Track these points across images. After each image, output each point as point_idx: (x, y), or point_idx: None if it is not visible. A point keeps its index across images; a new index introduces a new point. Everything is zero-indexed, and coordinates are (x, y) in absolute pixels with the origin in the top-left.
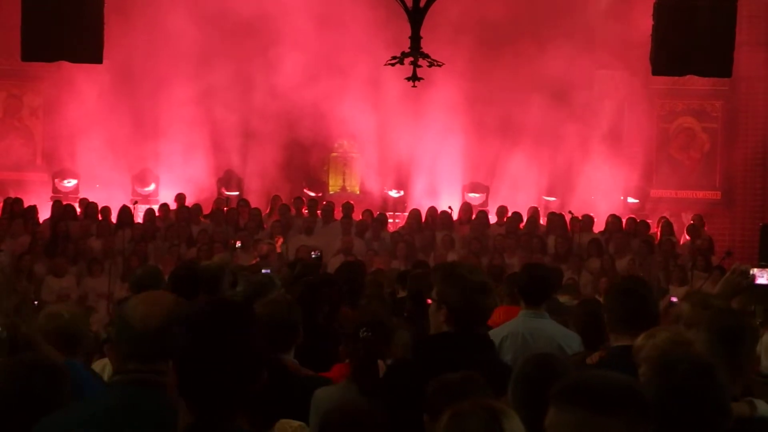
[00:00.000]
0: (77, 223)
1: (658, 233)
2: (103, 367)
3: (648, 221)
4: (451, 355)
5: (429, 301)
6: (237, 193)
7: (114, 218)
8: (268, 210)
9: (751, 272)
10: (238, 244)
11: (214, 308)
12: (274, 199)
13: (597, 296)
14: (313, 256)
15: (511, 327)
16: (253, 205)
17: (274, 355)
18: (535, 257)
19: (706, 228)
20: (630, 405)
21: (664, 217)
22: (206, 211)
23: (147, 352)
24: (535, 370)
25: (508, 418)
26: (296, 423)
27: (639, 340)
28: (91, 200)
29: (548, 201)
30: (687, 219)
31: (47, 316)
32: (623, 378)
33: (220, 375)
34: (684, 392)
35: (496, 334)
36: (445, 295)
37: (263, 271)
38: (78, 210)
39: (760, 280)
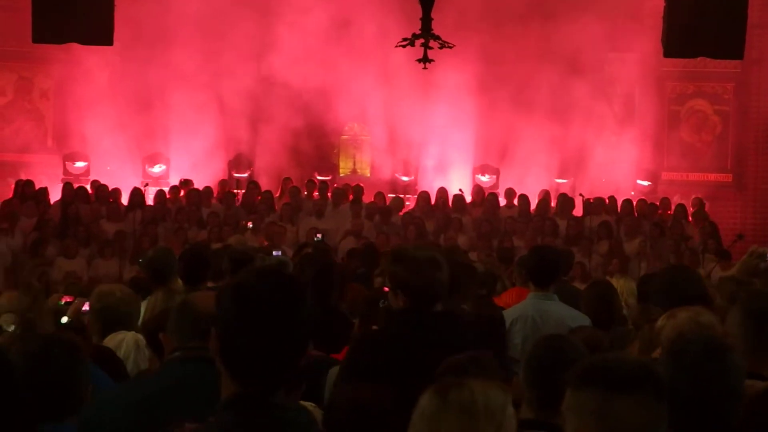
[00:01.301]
0: (88, 206)
1: (668, 216)
2: (119, 342)
3: (658, 204)
4: (408, 332)
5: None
6: (247, 174)
7: (125, 200)
8: (278, 193)
9: None
10: (250, 225)
11: (264, 276)
12: (285, 182)
13: (607, 278)
14: (316, 239)
15: (521, 309)
16: (263, 188)
17: None
18: (546, 240)
19: (714, 210)
20: (645, 385)
21: (666, 198)
22: (218, 193)
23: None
24: (546, 352)
25: (489, 398)
26: (308, 404)
27: (659, 320)
28: (102, 182)
29: (559, 183)
30: (696, 202)
31: (98, 295)
32: (639, 359)
33: (269, 346)
34: (694, 374)
35: (505, 317)
36: (398, 278)
37: (274, 253)
38: (89, 192)
39: None
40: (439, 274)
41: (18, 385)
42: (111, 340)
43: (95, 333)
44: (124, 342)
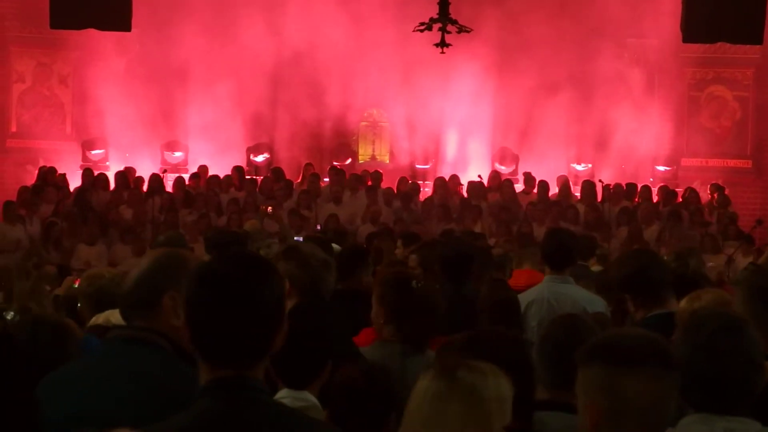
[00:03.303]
0: (108, 192)
1: (689, 202)
2: (106, 318)
3: (677, 190)
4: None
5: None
6: (267, 156)
7: (145, 187)
8: (299, 179)
9: None
10: (269, 210)
11: (230, 258)
12: (306, 168)
13: None
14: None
15: (536, 292)
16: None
17: None
18: (566, 226)
19: (733, 195)
20: (651, 358)
21: (690, 188)
22: (235, 180)
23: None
24: (560, 332)
25: (500, 382)
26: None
27: (683, 303)
28: (121, 169)
29: (578, 170)
30: (715, 188)
31: (88, 278)
32: (646, 333)
33: (237, 328)
34: (713, 349)
35: (521, 300)
36: (288, 274)
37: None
38: (109, 179)
39: None
40: (326, 273)
41: (23, 369)
42: (100, 318)
43: (88, 317)
44: (113, 318)
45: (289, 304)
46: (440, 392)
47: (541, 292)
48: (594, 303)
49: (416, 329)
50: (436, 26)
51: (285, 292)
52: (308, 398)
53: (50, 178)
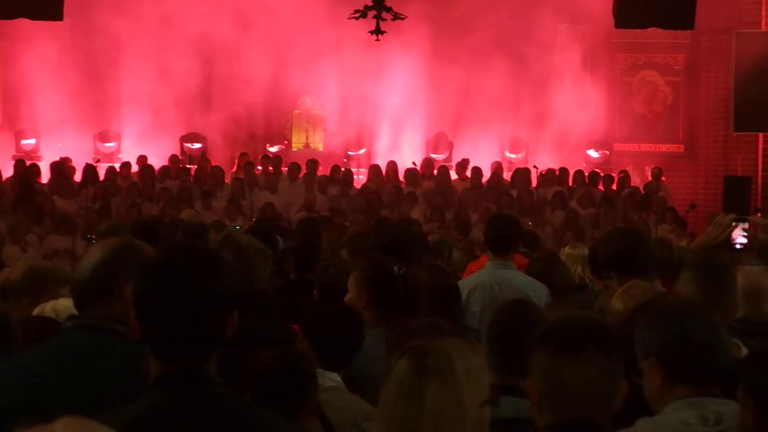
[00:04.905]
0: (41, 183)
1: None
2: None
3: (611, 174)
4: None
5: None
6: (199, 146)
7: (78, 177)
8: (234, 168)
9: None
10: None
11: (175, 252)
12: (241, 157)
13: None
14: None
15: (479, 278)
16: (215, 163)
17: None
18: (501, 211)
19: (666, 180)
20: (592, 344)
21: (625, 171)
22: (172, 170)
23: None
24: (509, 317)
25: (462, 356)
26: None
27: (617, 303)
28: (56, 159)
29: (511, 158)
30: (649, 172)
31: (28, 269)
32: (590, 317)
33: (185, 321)
34: (694, 341)
35: (464, 286)
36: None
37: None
38: (40, 168)
39: (739, 242)
40: (261, 262)
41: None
42: (46, 307)
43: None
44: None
45: None
46: (412, 379)
47: (484, 278)
48: (536, 289)
49: (400, 314)
50: (371, 13)
51: (233, 283)
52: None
53: None
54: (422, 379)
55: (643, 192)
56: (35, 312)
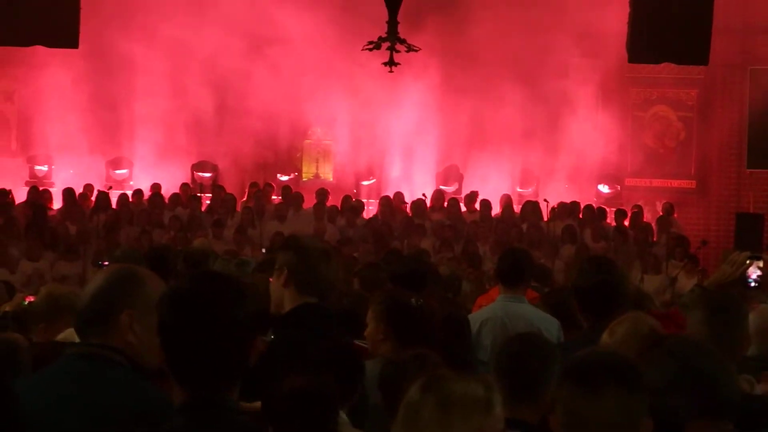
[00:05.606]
0: (54, 209)
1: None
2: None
3: (624, 209)
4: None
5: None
6: (210, 174)
7: (91, 203)
8: (245, 197)
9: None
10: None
11: (199, 281)
12: (252, 186)
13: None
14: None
15: (490, 311)
16: (227, 192)
17: None
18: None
19: (677, 216)
20: (614, 381)
21: (638, 205)
22: (183, 197)
23: None
24: (516, 347)
25: (467, 392)
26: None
27: (605, 337)
28: (67, 186)
29: (522, 192)
30: (660, 208)
31: (47, 295)
32: (615, 354)
33: (209, 349)
34: (702, 376)
35: (475, 319)
36: (287, 262)
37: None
38: (52, 195)
39: (754, 280)
40: (326, 265)
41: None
42: (61, 336)
43: (41, 330)
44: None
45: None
46: (415, 401)
47: (495, 311)
48: (548, 323)
49: (419, 346)
50: (385, 45)
51: (255, 310)
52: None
53: None
54: (421, 402)
55: (654, 227)
56: (60, 338)
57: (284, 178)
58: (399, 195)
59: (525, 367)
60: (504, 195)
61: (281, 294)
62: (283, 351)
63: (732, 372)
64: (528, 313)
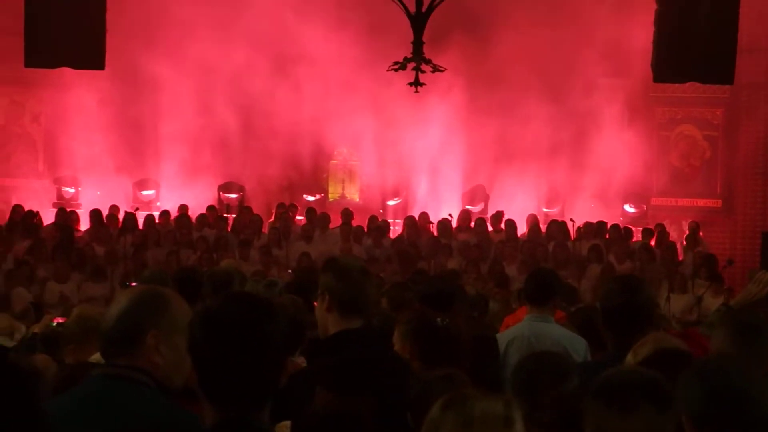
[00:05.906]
0: (81, 230)
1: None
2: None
3: (650, 228)
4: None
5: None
6: (236, 195)
7: (119, 224)
8: (272, 218)
9: None
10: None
11: (231, 301)
12: (278, 207)
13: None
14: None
15: (517, 331)
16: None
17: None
18: (536, 264)
19: (703, 235)
20: (644, 401)
21: (661, 224)
22: (210, 218)
23: None
24: (533, 364)
25: (486, 410)
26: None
27: (629, 357)
28: (94, 207)
29: (548, 212)
30: (686, 227)
31: (78, 317)
32: (646, 374)
33: (242, 369)
34: (735, 396)
35: (502, 338)
36: (327, 285)
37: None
38: (79, 216)
39: None
40: (367, 284)
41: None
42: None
43: (71, 351)
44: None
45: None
46: (437, 419)
47: (522, 331)
48: (575, 342)
49: (445, 365)
50: (410, 65)
51: (286, 331)
52: None
53: (16, 216)
54: (442, 420)
55: (680, 246)
56: (93, 359)
57: (310, 198)
58: (424, 215)
59: (540, 385)
60: (530, 215)
61: (326, 319)
62: (314, 375)
63: (763, 388)
64: (555, 332)
